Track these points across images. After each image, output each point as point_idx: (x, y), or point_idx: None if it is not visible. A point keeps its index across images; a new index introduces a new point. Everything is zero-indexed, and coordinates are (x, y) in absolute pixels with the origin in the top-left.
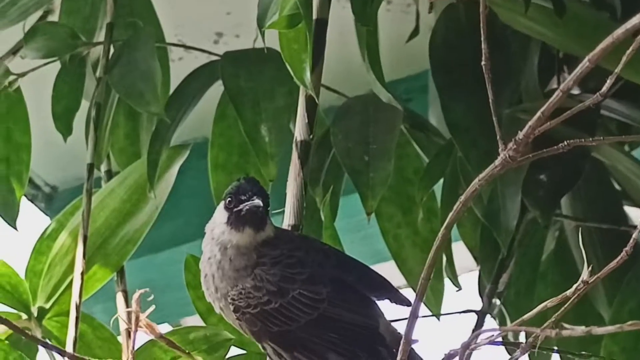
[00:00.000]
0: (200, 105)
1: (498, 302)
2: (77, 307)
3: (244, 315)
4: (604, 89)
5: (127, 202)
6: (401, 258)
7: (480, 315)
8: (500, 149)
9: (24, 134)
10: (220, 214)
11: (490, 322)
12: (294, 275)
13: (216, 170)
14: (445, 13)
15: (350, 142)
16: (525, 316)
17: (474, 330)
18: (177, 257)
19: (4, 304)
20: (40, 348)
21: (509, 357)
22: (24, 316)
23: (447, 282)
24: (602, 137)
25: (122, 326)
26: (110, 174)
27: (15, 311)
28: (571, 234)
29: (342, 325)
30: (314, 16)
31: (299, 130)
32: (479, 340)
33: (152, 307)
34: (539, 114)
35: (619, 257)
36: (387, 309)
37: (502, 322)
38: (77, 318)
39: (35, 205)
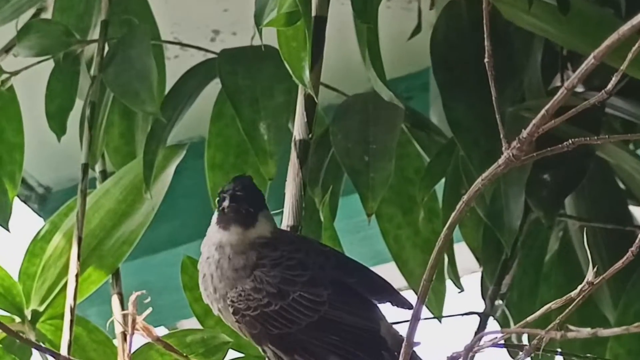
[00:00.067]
0: (196, 104)
1: (501, 303)
2: (72, 310)
3: (244, 318)
4: (610, 86)
5: (122, 203)
6: (402, 259)
7: (483, 317)
8: (503, 148)
9: (16, 134)
10: (214, 214)
11: (492, 325)
12: (295, 277)
13: (213, 170)
14: (446, 10)
15: (349, 141)
16: (529, 318)
17: (476, 333)
18: (174, 259)
19: None
20: (34, 351)
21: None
22: (18, 319)
23: (449, 283)
24: (607, 136)
25: (118, 329)
26: (105, 174)
27: (8, 314)
28: (575, 234)
29: (343, 328)
30: (313, 13)
31: (298, 129)
32: (481, 343)
33: (149, 310)
34: (543, 112)
35: (625, 258)
36: (389, 311)
37: (505, 324)
38: (71, 321)
39: (29, 206)
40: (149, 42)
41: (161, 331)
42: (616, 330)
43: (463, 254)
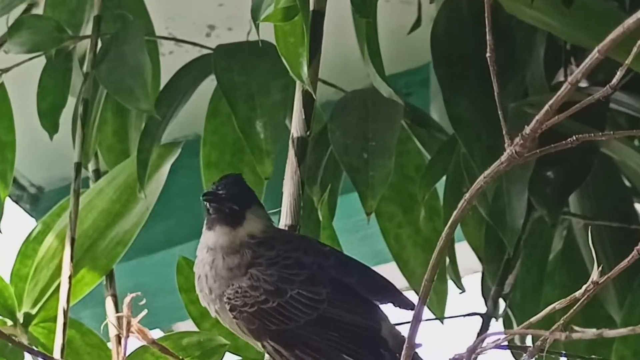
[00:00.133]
0: (192, 101)
1: (504, 304)
2: (65, 313)
3: (241, 314)
4: (614, 81)
5: (116, 203)
6: (402, 259)
7: (485, 318)
8: (506, 145)
9: (8, 132)
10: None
11: (495, 325)
12: (292, 276)
13: (209, 168)
14: (447, 3)
15: (348, 138)
16: (533, 319)
17: (479, 334)
18: (169, 260)
19: None
20: (27, 355)
21: None
22: (10, 322)
23: (450, 284)
24: (612, 132)
25: (112, 332)
26: (98, 174)
27: (0, 317)
28: (579, 232)
29: (343, 326)
30: (311, 8)
31: (296, 127)
32: (484, 344)
33: (144, 312)
34: (546, 107)
35: (630, 257)
36: (391, 312)
37: (508, 326)
38: (64, 324)
39: (20, 206)
40: (143, 38)
41: (156, 334)
42: (622, 331)
43: (465, 253)
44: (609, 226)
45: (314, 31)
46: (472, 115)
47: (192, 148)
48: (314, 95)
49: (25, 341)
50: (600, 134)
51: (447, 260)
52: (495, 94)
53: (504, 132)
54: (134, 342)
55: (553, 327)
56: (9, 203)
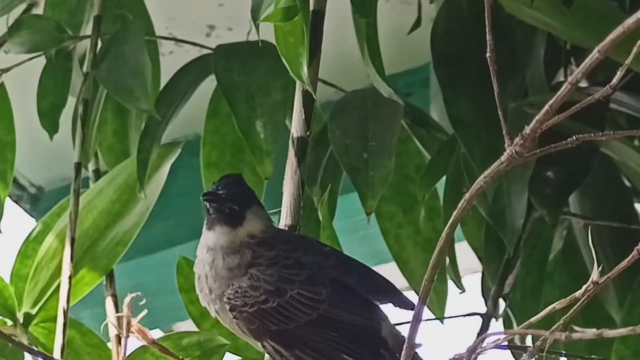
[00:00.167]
0: (192, 101)
1: (504, 304)
2: (65, 313)
3: (241, 314)
4: (614, 81)
5: (116, 203)
6: (402, 259)
7: (485, 318)
8: (506, 145)
9: (8, 132)
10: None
11: (495, 326)
12: (292, 276)
13: (209, 168)
14: (447, 3)
15: (348, 138)
16: (533, 319)
17: (479, 334)
18: (169, 260)
19: None
20: (27, 355)
21: None
22: (10, 322)
23: (450, 284)
24: (612, 132)
25: (112, 332)
26: (98, 174)
27: (0, 317)
28: (580, 233)
29: (343, 326)
30: (311, 7)
31: (296, 127)
32: (484, 344)
33: (145, 312)
34: (546, 107)
35: (630, 257)
36: (391, 312)
37: (508, 326)
38: (64, 324)
39: (20, 206)
40: (143, 38)
41: (156, 334)
42: (622, 331)
43: (464, 253)
44: (609, 226)
45: (314, 31)
46: (472, 115)
47: (192, 148)
48: (314, 95)
49: (25, 341)
50: (600, 134)
51: (447, 260)
52: (495, 94)
53: (504, 132)
54: (134, 342)
55: (553, 327)
56: (9, 203)
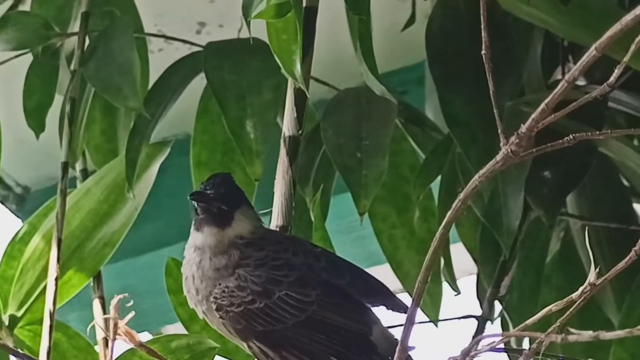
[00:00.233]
0: (181, 99)
1: (500, 307)
2: (51, 315)
3: (228, 314)
4: (612, 79)
5: (104, 203)
6: (396, 260)
7: (481, 321)
8: (501, 143)
9: None
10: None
11: (491, 329)
12: (281, 277)
13: (199, 168)
14: (442, 0)
15: (341, 137)
16: (529, 321)
17: (474, 337)
18: (158, 261)
19: None
20: (12, 358)
21: None
22: None
23: (445, 286)
24: (609, 131)
25: (99, 335)
26: (85, 173)
27: None
28: (577, 234)
29: (332, 329)
30: (304, 4)
31: (287, 125)
32: (479, 347)
33: (132, 314)
34: (542, 105)
35: (628, 258)
36: (384, 315)
37: (504, 328)
38: (51, 326)
39: (6, 206)
40: (132, 35)
41: (145, 337)
42: (619, 333)
43: (460, 255)
44: (607, 227)
45: (306, 28)
46: (467, 114)
47: (181, 147)
48: (307, 93)
49: (10, 344)
50: (598, 132)
51: (442, 261)
52: (491, 92)
53: (499, 131)
54: (121, 346)
55: (549, 330)
56: None
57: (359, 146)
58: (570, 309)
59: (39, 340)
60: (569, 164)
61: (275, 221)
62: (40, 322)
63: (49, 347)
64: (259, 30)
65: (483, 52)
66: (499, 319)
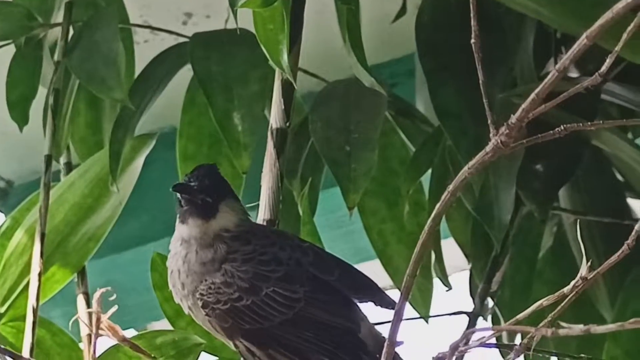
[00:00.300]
0: (167, 91)
1: (491, 302)
2: (34, 311)
3: (214, 311)
4: (604, 68)
5: (88, 197)
6: (386, 255)
7: (472, 317)
8: (491, 134)
9: None
10: None
11: (483, 325)
12: (268, 272)
13: (185, 162)
14: None
15: (330, 130)
16: (520, 315)
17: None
18: (143, 257)
19: None
20: None
21: None
22: None
23: (437, 282)
24: (601, 121)
25: (84, 332)
26: (69, 167)
27: None
28: (570, 228)
29: (320, 326)
30: None
31: (275, 117)
32: (470, 342)
33: (115, 308)
34: (533, 95)
35: (620, 251)
36: (372, 311)
37: (496, 324)
38: (34, 323)
39: None
40: (117, 26)
41: (130, 334)
42: (611, 327)
43: (452, 250)
44: (600, 222)
45: (294, 18)
46: (458, 106)
47: (167, 140)
48: (294, 84)
49: None
50: (589, 123)
51: (433, 257)
52: (480, 81)
53: (489, 122)
54: (107, 342)
55: (541, 325)
56: None
57: (347, 139)
58: (562, 303)
59: (22, 337)
60: (561, 157)
61: (262, 215)
62: (23, 318)
63: (32, 344)
64: (247, 20)
65: (472, 41)
66: (491, 315)
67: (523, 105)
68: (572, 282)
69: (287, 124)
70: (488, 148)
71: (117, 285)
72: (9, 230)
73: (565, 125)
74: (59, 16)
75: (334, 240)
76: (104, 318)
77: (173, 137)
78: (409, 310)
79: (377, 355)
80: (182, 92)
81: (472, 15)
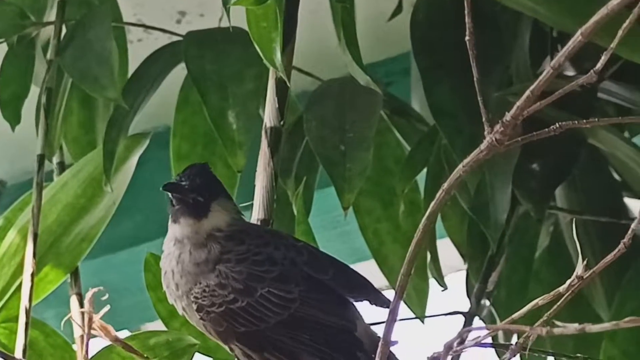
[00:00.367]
0: (161, 91)
1: (488, 303)
2: (27, 312)
3: (209, 315)
4: (599, 65)
5: (81, 197)
6: (381, 255)
7: (468, 317)
8: (486, 132)
9: None
10: None
11: (480, 325)
12: (263, 273)
13: (179, 161)
14: None
15: (324, 129)
16: (515, 315)
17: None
18: (137, 258)
19: None
20: None
21: None
22: None
23: (432, 282)
24: (597, 119)
25: (77, 333)
26: (62, 166)
27: None
28: (567, 228)
29: (315, 326)
30: None
31: (269, 116)
32: (466, 342)
33: (107, 307)
34: (527, 92)
35: (616, 250)
36: (367, 311)
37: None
38: (27, 324)
39: None
40: (110, 24)
41: (124, 335)
42: (606, 326)
43: (448, 251)
44: (597, 221)
45: (287, 16)
46: (453, 105)
47: (161, 140)
48: (287, 83)
49: None
50: (584, 120)
51: (429, 257)
52: (475, 78)
53: (484, 119)
54: (101, 343)
55: (537, 324)
56: None
57: (342, 138)
58: (558, 303)
59: (14, 338)
60: (558, 156)
61: (256, 214)
62: (16, 319)
63: (25, 345)
64: (241, 19)
65: (467, 38)
66: (487, 315)
67: (518, 103)
68: (568, 281)
69: (282, 122)
70: (483, 146)
71: (111, 286)
72: (2, 230)
73: (560, 123)
74: (51, 15)
75: (330, 241)
76: (96, 318)
77: (167, 136)
78: (405, 311)
79: (373, 355)
80: (176, 91)
81: (466, 12)
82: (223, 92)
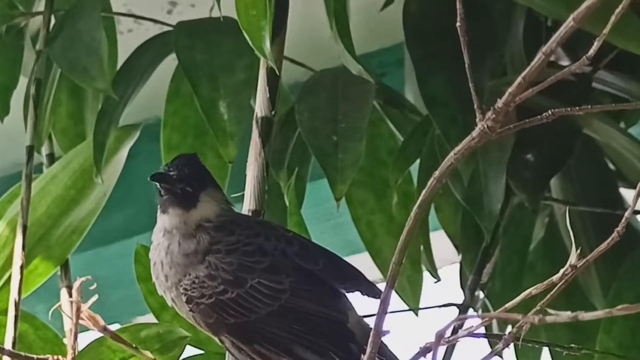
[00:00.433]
0: (151, 81)
1: (482, 295)
2: (17, 305)
3: (198, 306)
4: (591, 51)
5: (71, 189)
6: (375, 247)
7: (462, 309)
8: (477, 119)
9: None
10: None
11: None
12: (253, 263)
13: (169, 152)
14: None
15: (317, 120)
16: (508, 304)
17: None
18: (127, 250)
19: None
20: None
21: None
22: None
23: (426, 275)
24: (589, 106)
25: (67, 326)
26: (52, 158)
27: None
28: (562, 219)
29: (307, 317)
30: None
31: (260, 106)
32: (459, 333)
33: (95, 297)
34: (519, 79)
35: (610, 238)
36: (359, 303)
37: None
38: (16, 317)
39: None
40: (99, 14)
41: (115, 328)
42: (598, 314)
43: (442, 243)
44: (592, 212)
45: (278, 4)
46: (447, 95)
47: (152, 132)
48: (277, 72)
49: None
50: (577, 108)
51: (422, 248)
52: (467, 66)
53: (475, 107)
54: (91, 336)
55: (530, 313)
56: None
57: (335, 129)
58: (552, 292)
59: (4, 331)
60: (553, 146)
61: (247, 205)
62: (5, 312)
63: (14, 338)
64: (232, 9)
65: (458, 24)
66: (481, 307)
67: (510, 89)
68: (562, 270)
69: (273, 112)
70: (474, 133)
71: (102, 279)
72: None
73: (553, 110)
74: (40, 5)
75: (323, 233)
76: (84, 307)
77: (158, 128)
78: (398, 303)
79: (365, 346)
80: (166, 82)
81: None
82: (214, 83)
